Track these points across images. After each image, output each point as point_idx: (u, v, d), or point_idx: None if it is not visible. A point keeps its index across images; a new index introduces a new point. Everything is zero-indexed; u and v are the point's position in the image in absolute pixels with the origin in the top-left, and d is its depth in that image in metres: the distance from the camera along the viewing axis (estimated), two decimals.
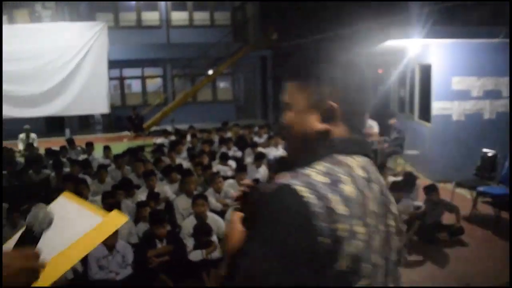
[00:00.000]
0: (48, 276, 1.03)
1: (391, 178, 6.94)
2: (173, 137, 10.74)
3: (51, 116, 14.44)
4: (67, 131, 14.56)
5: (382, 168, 6.78)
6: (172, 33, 17.28)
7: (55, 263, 1.08)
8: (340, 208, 0.87)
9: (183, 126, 12.95)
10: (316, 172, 0.92)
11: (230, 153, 8.76)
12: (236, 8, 18.28)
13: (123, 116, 15.60)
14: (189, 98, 16.24)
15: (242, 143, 9.56)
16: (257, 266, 0.85)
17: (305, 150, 1.01)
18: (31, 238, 1.05)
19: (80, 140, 10.81)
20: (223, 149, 8.99)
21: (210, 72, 16.44)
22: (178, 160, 8.24)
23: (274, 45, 15.83)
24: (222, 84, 18.98)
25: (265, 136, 10.35)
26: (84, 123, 16.81)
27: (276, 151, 8.85)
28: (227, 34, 16.85)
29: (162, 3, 17.34)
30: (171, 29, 17.37)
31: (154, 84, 18.22)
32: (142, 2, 17.36)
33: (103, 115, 16.30)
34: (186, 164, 7.81)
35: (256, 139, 10.43)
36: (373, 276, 0.92)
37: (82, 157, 9.10)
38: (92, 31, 14.31)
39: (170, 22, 17.52)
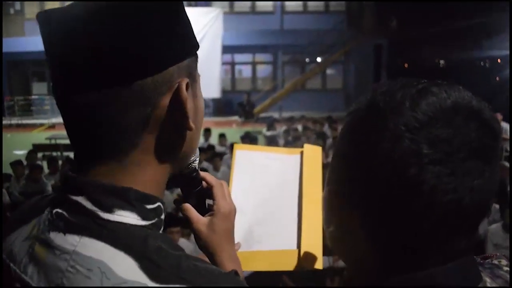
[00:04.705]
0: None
1: None
2: (283, 128, 10.59)
3: None
4: None
5: None
6: (285, 19, 17.10)
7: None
8: None
9: (290, 114, 12.78)
10: None
11: None
12: None
13: (232, 101, 15.87)
14: (298, 86, 16.04)
15: None
16: None
17: None
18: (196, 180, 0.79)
19: None
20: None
21: (319, 59, 16.01)
22: None
23: (392, 33, 14.94)
24: (331, 72, 18.47)
25: None
26: None
27: None
28: (341, 21, 16.26)
29: None
30: (284, 15, 17.18)
31: (264, 70, 18.28)
32: None
33: (213, 99, 16.74)
34: None
35: None
36: None
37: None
38: (208, 16, 14.62)
39: (284, 8, 17.33)
